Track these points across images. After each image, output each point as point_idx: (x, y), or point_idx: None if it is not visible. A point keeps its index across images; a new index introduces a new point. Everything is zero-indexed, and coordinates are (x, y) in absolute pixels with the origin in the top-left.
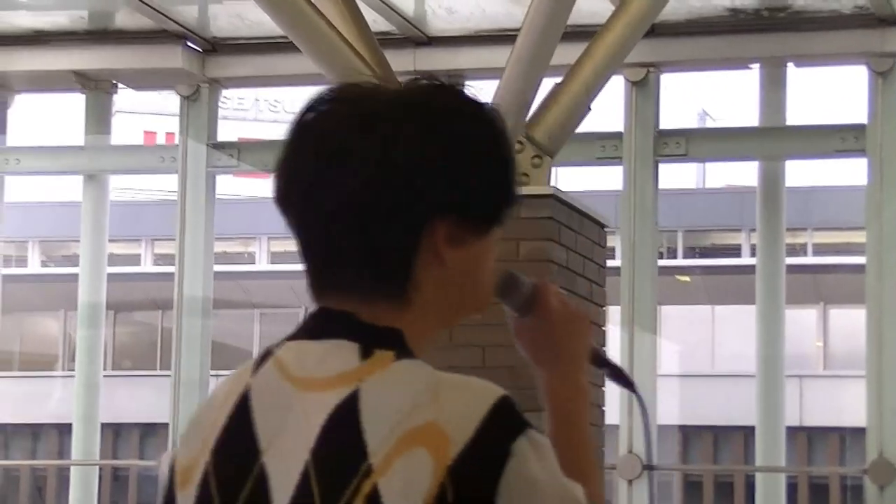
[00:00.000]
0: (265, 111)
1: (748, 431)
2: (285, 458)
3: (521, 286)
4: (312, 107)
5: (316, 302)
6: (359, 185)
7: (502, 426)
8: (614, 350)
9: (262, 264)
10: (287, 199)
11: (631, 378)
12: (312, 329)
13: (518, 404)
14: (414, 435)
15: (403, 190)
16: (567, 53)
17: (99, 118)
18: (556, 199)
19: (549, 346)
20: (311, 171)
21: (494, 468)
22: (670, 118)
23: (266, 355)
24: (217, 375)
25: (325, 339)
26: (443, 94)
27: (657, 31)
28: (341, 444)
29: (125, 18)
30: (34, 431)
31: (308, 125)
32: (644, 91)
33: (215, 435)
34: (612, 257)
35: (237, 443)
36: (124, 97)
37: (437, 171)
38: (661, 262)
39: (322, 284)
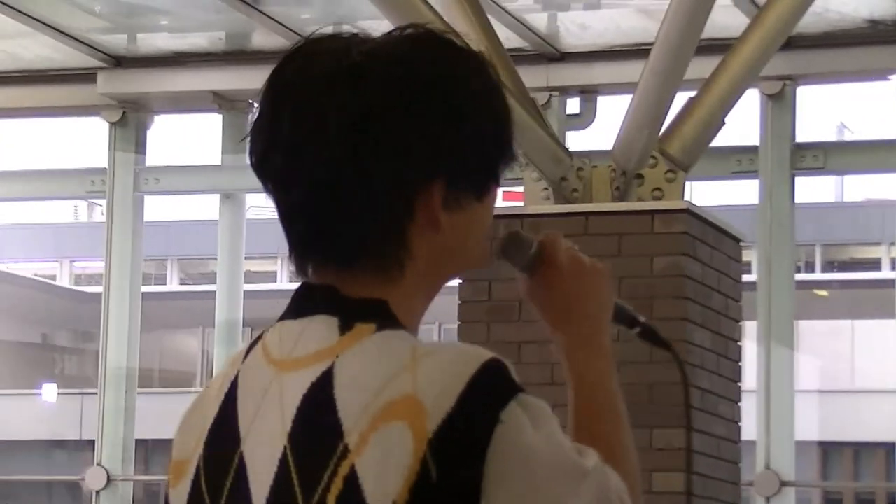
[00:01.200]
0: None
1: (889, 448)
2: (263, 446)
3: (526, 244)
4: (289, 60)
5: (300, 278)
6: (344, 150)
7: (487, 393)
8: (750, 365)
9: None
10: (266, 163)
11: (665, 338)
12: (294, 307)
13: (509, 368)
14: (390, 409)
15: (392, 153)
16: (701, 67)
17: (236, 137)
18: (691, 213)
19: (562, 306)
20: (291, 133)
21: (480, 439)
22: (807, 131)
23: (257, 339)
24: None
25: (305, 317)
26: (431, 46)
27: (794, 43)
28: (316, 425)
29: (261, 39)
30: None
31: (285, 81)
32: (780, 104)
33: (208, 427)
34: (749, 272)
35: (222, 433)
36: None
37: (429, 130)
38: (799, 277)
39: (306, 258)
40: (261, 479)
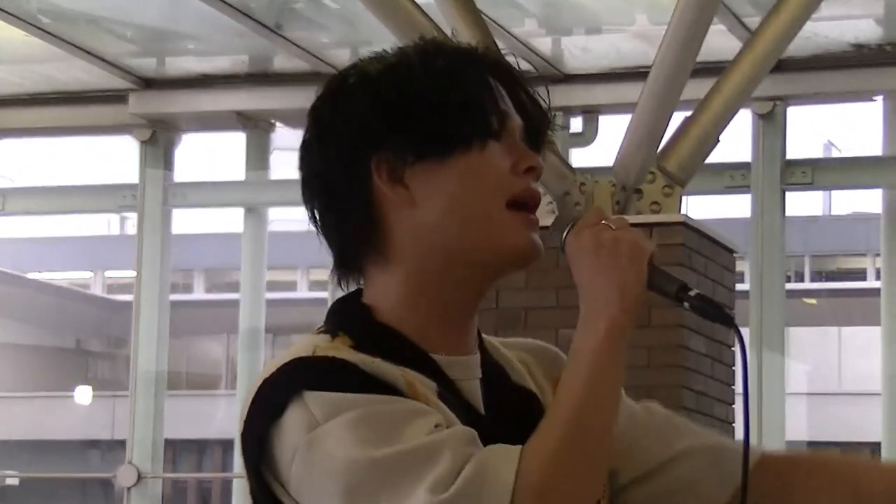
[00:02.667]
0: None
1: (874, 447)
2: None
3: (567, 226)
4: None
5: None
6: (303, 172)
7: (266, 396)
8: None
9: None
10: None
11: (716, 303)
12: None
13: (314, 364)
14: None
15: (332, 137)
16: (697, 88)
17: (258, 155)
18: (687, 226)
19: (579, 287)
20: None
21: (256, 443)
22: (796, 149)
23: None
24: None
25: None
26: (395, 53)
27: (783, 66)
28: None
29: (283, 62)
30: (200, 447)
31: None
32: (771, 123)
33: None
34: (742, 281)
35: None
36: (282, 135)
37: (352, 111)
38: (789, 286)
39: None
40: None
